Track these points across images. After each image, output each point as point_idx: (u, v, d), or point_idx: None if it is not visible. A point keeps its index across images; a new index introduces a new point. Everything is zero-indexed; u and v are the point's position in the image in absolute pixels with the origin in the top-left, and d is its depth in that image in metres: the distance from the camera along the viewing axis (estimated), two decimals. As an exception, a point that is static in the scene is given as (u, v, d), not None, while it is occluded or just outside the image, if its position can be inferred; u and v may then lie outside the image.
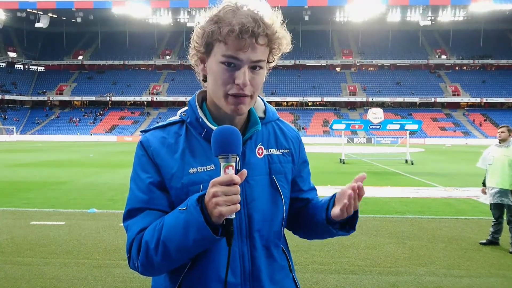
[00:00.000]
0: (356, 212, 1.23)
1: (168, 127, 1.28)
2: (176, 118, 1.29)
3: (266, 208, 1.24)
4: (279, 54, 1.22)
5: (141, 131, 1.32)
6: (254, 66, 1.15)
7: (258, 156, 1.26)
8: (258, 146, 1.27)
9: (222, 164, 1.06)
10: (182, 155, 1.22)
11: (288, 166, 1.32)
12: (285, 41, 1.20)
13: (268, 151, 1.29)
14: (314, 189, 1.46)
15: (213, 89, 1.18)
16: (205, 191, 1.08)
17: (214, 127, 1.20)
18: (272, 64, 1.25)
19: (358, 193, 1.15)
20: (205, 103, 1.28)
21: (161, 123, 1.30)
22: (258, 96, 1.34)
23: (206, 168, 1.20)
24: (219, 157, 1.07)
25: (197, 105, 1.27)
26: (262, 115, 1.33)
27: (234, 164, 1.07)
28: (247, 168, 1.18)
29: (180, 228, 1.09)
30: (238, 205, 1.04)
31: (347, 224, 1.28)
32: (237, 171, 1.07)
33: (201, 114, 1.24)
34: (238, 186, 1.04)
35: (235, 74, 1.13)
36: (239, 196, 1.04)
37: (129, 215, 1.22)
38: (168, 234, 1.10)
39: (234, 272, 1.20)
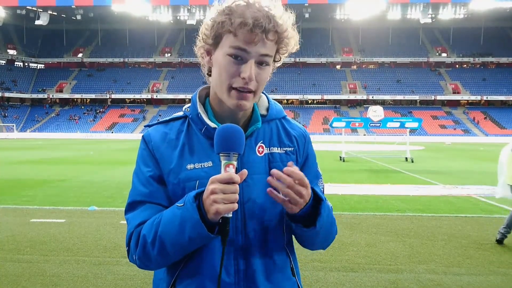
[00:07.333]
0: (317, 205, 1.17)
1: (171, 123, 1.28)
2: (180, 113, 1.29)
3: (263, 207, 1.21)
4: (286, 54, 1.21)
5: (145, 126, 1.33)
6: (261, 62, 1.13)
7: (258, 154, 1.24)
8: (259, 144, 1.25)
9: (223, 162, 1.06)
10: (181, 151, 1.22)
11: None
12: (293, 42, 1.20)
13: (269, 150, 1.26)
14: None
15: (218, 82, 1.17)
16: (203, 188, 1.08)
17: (213, 124, 1.21)
18: (278, 64, 1.24)
19: (292, 180, 1.08)
20: (208, 99, 1.27)
21: (165, 118, 1.30)
22: (264, 93, 1.33)
23: (203, 165, 1.19)
24: (221, 154, 1.06)
25: (197, 101, 1.26)
26: (264, 112, 1.30)
27: (235, 163, 1.06)
28: (245, 166, 1.18)
29: (176, 224, 1.09)
30: (236, 204, 1.04)
31: (308, 219, 1.18)
32: (236, 170, 1.06)
33: (200, 110, 1.23)
34: (237, 185, 1.03)
35: (241, 67, 1.12)
36: (237, 195, 1.03)
37: (130, 207, 1.23)
38: (164, 230, 1.11)
39: (228, 271, 1.19)
